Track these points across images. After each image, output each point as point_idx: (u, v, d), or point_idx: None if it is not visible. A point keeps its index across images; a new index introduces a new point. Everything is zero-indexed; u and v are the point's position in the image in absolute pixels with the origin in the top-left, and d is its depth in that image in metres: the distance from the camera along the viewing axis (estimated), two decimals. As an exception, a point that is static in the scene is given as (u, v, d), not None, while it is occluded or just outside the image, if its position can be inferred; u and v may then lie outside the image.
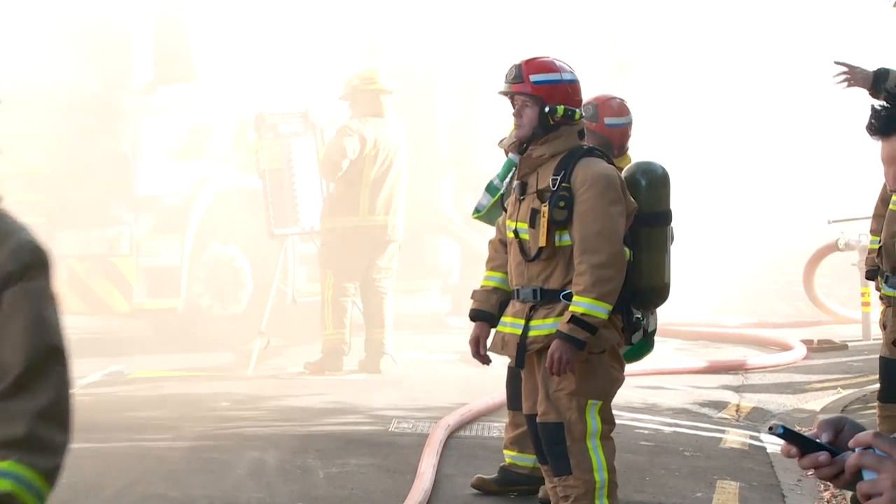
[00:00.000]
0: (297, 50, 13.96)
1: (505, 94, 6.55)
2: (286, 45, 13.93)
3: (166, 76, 13.16)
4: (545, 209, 6.35)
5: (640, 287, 6.50)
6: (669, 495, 8.34)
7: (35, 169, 13.14)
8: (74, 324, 14.73)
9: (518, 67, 6.54)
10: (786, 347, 14.04)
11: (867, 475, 2.41)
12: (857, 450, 2.44)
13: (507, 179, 6.84)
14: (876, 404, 8.63)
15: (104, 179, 13.00)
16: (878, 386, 10.78)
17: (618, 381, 6.60)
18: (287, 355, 13.09)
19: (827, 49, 20.10)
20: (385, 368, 12.14)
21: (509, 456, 8.08)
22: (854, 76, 7.96)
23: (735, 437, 10.05)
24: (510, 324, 6.53)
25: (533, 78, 6.48)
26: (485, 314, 6.68)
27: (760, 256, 19.92)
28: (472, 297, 6.79)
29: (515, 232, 6.50)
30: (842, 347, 14.31)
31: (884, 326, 7.98)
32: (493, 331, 6.74)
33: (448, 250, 15.31)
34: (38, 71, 13.48)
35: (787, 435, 2.50)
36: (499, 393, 10.68)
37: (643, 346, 7.08)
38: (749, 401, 11.58)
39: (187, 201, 13.46)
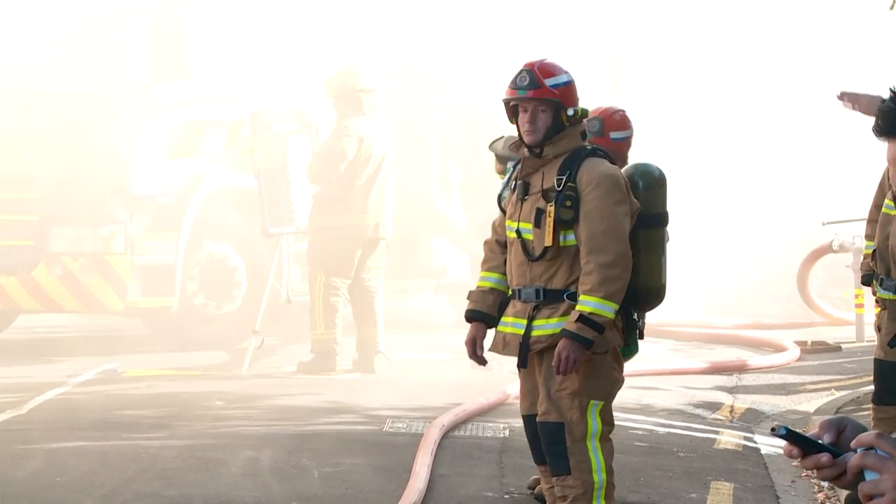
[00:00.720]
0: (293, 49, 13.97)
1: (521, 100, 6.45)
2: (282, 45, 13.94)
3: (162, 75, 13.15)
4: (551, 209, 6.36)
5: (638, 288, 6.51)
6: (664, 496, 8.34)
7: (30, 167, 13.14)
8: (68, 322, 14.78)
9: (531, 73, 6.47)
10: (779, 349, 14.06)
11: (869, 476, 2.41)
12: (859, 450, 2.45)
13: (504, 180, 6.81)
14: (870, 406, 8.66)
15: (99, 178, 13.01)
16: (872, 388, 10.80)
17: (618, 382, 6.62)
18: (281, 354, 13.09)
19: (823, 51, 20.11)
20: (379, 368, 12.15)
21: None
22: (860, 103, 7.93)
23: (729, 438, 10.06)
24: (511, 324, 6.52)
25: (549, 82, 6.46)
26: (481, 315, 6.67)
27: (754, 257, 19.92)
28: (468, 298, 6.79)
29: (518, 232, 6.49)
30: (835, 349, 14.33)
31: (878, 329, 7.99)
32: (489, 331, 6.74)
33: (441, 250, 15.32)
34: (34, 69, 13.48)
35: (790, 436, 2.51)
36: (493, 393, 10.71)
37: (631, 348, 7.13)
38: (743, 402, 11.59)
39: (182, 200, 13.46)
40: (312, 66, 13.82)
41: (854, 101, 7.93)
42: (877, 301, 7.96)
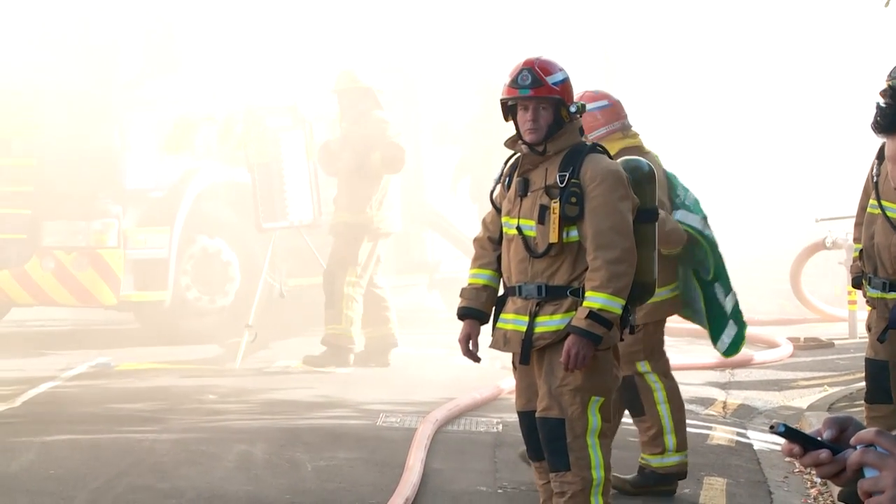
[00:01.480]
0: (286, 44, 13.95)
1: (524, 99, 6.43)
2: (274, 39, 13.92)
3: (153, 70, 13.14)
4: (555, 205, 6.35)
5: (633, 282, 6.50)
6: (658, 492, 8.34)
7: (23, 161, 13.12)
8: (61, 315, 14.77)
9: (532, 72, 6.46)
10: (772, 345, 14.07)
11: (869, 473, 2.41)
12: (858, 447, 2.44)
13: (497, 177, 6.78)
14: (863, 403, 8.67)
15: (92, 172, 12.99)
16: (864, 385, 10.82)
17: (617, 380, 6.60)
18: (275, 349, 13.08)
19: (816, 49, 20.14)
20: (377, 362, 12.19)
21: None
22: None
23: (722, 434, 10.07)
24: (512, 321, 6.50)
25: (550, 80, 6.45)
26: (475, 312, 6.65)
27: (747, 254, 19.94)
28: (460, 296, 6.76)
29: (519, 228, 6.47)
30: (828, 345, 14.34)
31: (869, 328, 8.01)
32: (482, 328, 6.72)
33: (435, 245, 15.31)
34: (25, 65, 13.46)
35: (789, 433, 2.50)
36: (486, 388, 10.71)
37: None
38: (735, 398, 11.60)
39: (175, 194, 13.44)
40: (306, 61, 13.81)
41: None
42: (867, 301, 7.98)
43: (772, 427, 2.56)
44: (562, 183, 6.38)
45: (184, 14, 13.37)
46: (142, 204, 13.28)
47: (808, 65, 19.97)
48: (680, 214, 8.08)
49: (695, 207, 8.19)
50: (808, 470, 9.11)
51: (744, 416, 10.88)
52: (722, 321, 8.26)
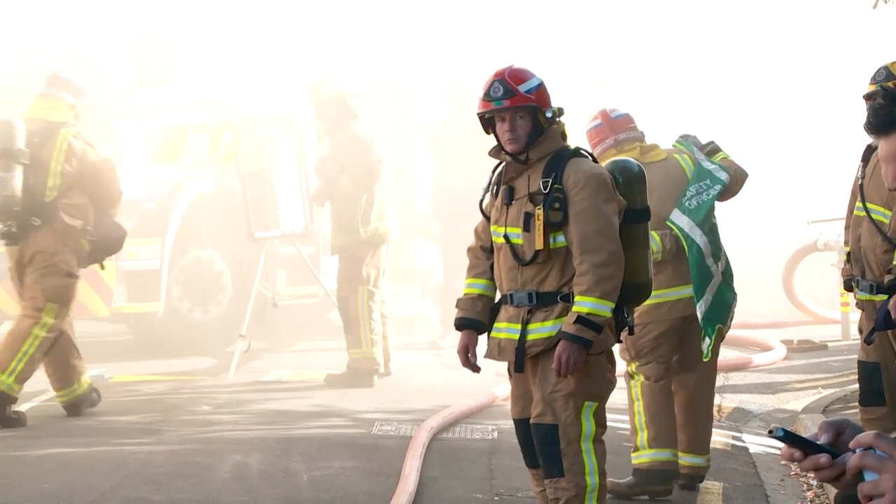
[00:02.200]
0: (277, 53, 13.95)
1: (499, 111, 6.40)
2: (265, 49, 13.92)
3: (144, 81, 13.12)
4: (539, 212, 6.33)
5: (626, 284, 6.48)
6: (653, 494, 8.33)
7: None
8: (54, 328, 14.71)
9: (503, 83, 6.43)
10: (766, 348, 14.08)
11: (868, 476, 2.40)
12: (857, 451, 2.44)
13: (485, 186, 6.75)
14: (857, 404, 8.67)
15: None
16: (858, 387, 10.80)
17: (612, 384, 6.60)
18: (268, 359, 13.07)
19: (807, 52, 20.15)
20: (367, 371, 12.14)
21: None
22: None
23: (717, 438, 10.05)
24: (506, 329, 6.50)
25: (522, 88, 6.42)
26: (472, 322, 6.64)
27: (739, 257, 19.94)
28: (456, 307, 6.75)
29: (506, 237, 6.46)
30: (821, 347, 14.35)
31: (861, 330, 8.01)
32: (480, 338, 6.72)
33: (427, 252, 15.32)
34: (16, 75, 13.45)
35: (788, 438, 2.50)
36: (481, 395, 10.70)
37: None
38: (730, 401, 11.60)
39: (166, 205, 13.43)
40: (297, 70, 13.81)
41: None
42: (857, 303, 7.99)
43: (771, 431, 2.55)
44: (545, 189, 6.37)
45: (174, 24, 13.35)
46: (133, 215, 13.24)
47: (799, 68, 20.00)
48: (674, 215, 8.10)
49: (694, 211, 8.16)
50: (805, 473, 9.10)
51: (739, 419, 10.88)
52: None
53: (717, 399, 11.66)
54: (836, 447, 2.50)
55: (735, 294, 8.59)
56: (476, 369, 6.65)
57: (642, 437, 8.11)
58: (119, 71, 13.15)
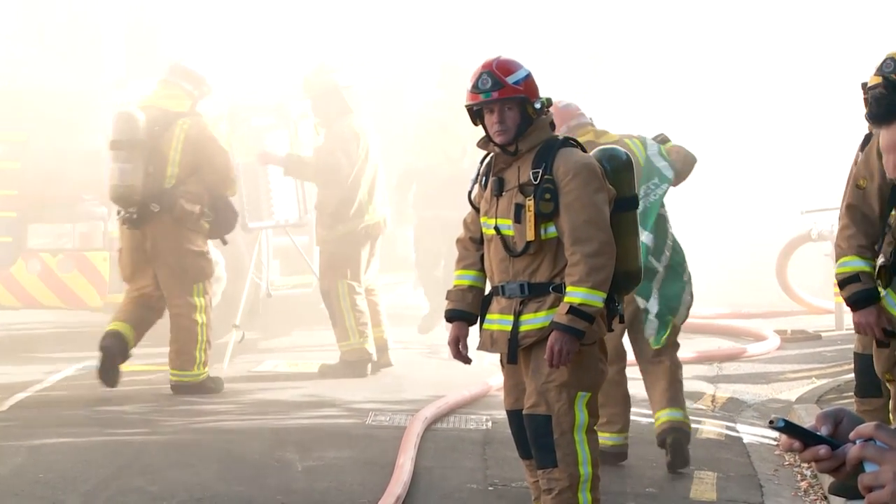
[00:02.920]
0: (271, 43, 13.93)
1: (488, 103, 6.38)
2: (259, 39, 13.90)
3: (137, 71, 13.10)
4: (530, 203, 6.32)
5: (617, 272, 6.46)
6: (647, 485, 8.36)
7: (7, 164, 13.09)
8: (48, 318, 14.73)
9: (491, 74, 6.41)
10: (759, 338, 14.09)
11: (868, 467, 2.40)
12: (858, 442, 2.44)
13: (474, 177, 6.68)
14: (851, 394, 8.68)
15: (77, 174, 12.95)
16: (852, 376, 10.79)
17: (604, 374, 6.60)
18: (262, 349, 13.07)
19: (800, 41, 20.15)
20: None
21: None
22: None
23: (711, 428, 10.07)
24: (498, 321, 6.48)
25: (510, 80, 6.40)
26: (462, 314, 6.63)
27: (733, 246, 19.98)
28: (446, 298, 6.74)
29: (497, 228, 6.44)
30: (815, 337, 14.37)
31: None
32: (471, 329, 6.70)
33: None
34: (9, 66, 13.43)
35: (788, 428, 2.50)
36: (475, 385, 10.71)
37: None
38: (724, 391, 11.61)
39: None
40: (291, 61, 13.78)
41: None
42: None
43: (771, 422, 2.56)
44: (535, 180, 6.35)
45: (167, 14, 13.33)
46: (127, 205, 13.23)
47: (792, 57, 20.00)
48: None
49: (642, 214, 8.25)
50: (799, 463, 9.11)
51: (733, 409, 10.89)
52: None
53: (710, 389, 11.69)
54: (835, 437, 2.51)
55: (685, 283, 8.67)
56: (467, 361, 6.65)
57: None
58: (112, 62, 13.12)
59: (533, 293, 6.40)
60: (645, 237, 8.20)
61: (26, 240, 12.99)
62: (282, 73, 13.64)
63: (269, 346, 13.14)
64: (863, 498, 2.41)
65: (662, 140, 8.79)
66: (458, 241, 6.76)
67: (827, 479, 8.32)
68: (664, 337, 8.45)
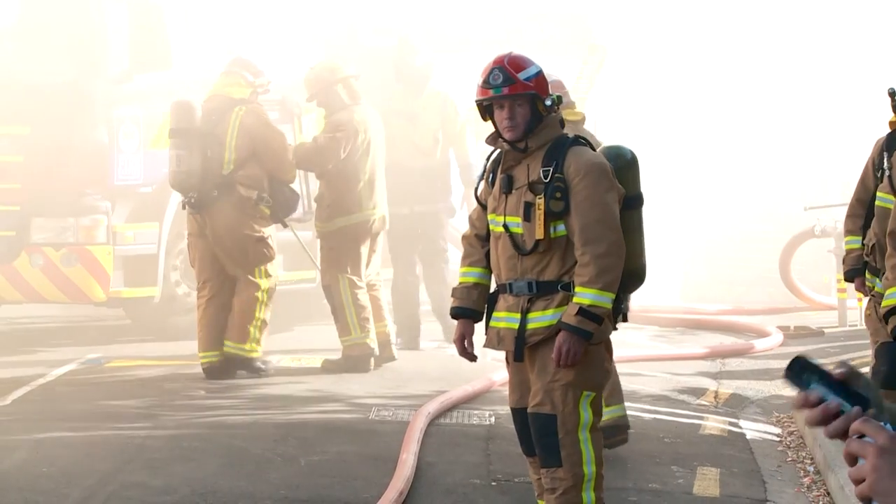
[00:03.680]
0: (274, 37, 13.92)
1: (498, 98, 6.35)
2: (263, 32, 13.89)
3: (141, 64, 13.09)
4: (540, 201, 6.28)
5: (623, 270, 6.46)
6: (651, 481, 8.36)
7: (10, 158, 13.09)
8: (51, 312, 14.74)
9: (503, 70, 6.38)
10: (763, 334, 14.10)
11: (860, 461, 2.41)
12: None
13: (480, 173, 6.66)
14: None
15: (80, 168, 12.95)
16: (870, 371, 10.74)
17: (609, 374, 6.60)
18: (265, 343, 13.04)
19: (805, 34, 20.12)
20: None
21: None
22: None
23: (714, 424, 10.08)
24: (505, 318, 6.46)
25: (522, 76, 6.37)
26: (468, 311, 6.61)
27: (736, 242, 19.96)
28: (451, 295, 6.72)
29: (505, 226, 6.41)
30: (818, 334, 14.37)
31: (884, 319, 7.85)
32: (476, 326, 6.69)
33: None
34: (12, 59, 13.42)
35: (804, 367, 2.48)
36: (478, 380, 10.71)
37: None
38: (727, 387, 11.62)
39: (163, 190, 13.39)
40: (294, 54, 13.77)
41: None
42: (873, 294, 7.93)
43: (788, 368, 2.53)
44: (545, 178, 6.32)
45: (170, 7, 13.32)
46: (130, 200, 13.25)
47: (796, 54, 19.99)
48: None
49: None
50: (802, 458, 9.12)
51: (735, 405, 10.89)
52: None
53: (713, 385, 11.70)
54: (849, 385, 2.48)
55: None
56: (473, 358, 6.64)
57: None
58: (116, 54, 13.11)
59: (541, 291, 6.37)
60: None
61: (29, 234, 12.99)
62: (285, 67, 13.62)
63: (272, 342, 13.12)
64: None
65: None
66: (464, 237, 6.74)
67: (830, 476, 8.32)
68: None
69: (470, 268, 6.66)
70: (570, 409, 6.35)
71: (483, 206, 6.61)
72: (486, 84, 6.40)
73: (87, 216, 12.98)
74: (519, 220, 6.37)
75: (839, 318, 14.90)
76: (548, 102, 6.39)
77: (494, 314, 6.52)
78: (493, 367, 11.02)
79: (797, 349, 13.55)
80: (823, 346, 13.61)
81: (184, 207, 11.41)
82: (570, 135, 6.54)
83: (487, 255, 6.62)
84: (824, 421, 2.48)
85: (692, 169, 20.08)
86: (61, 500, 7.55)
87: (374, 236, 11.88)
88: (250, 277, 11.33)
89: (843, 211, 8.91)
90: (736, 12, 20.64)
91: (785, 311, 16.07)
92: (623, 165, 6.57)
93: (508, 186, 6.41)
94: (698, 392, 11.36)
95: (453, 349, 6.85)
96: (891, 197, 7.82)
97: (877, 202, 7.95)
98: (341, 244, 11.66)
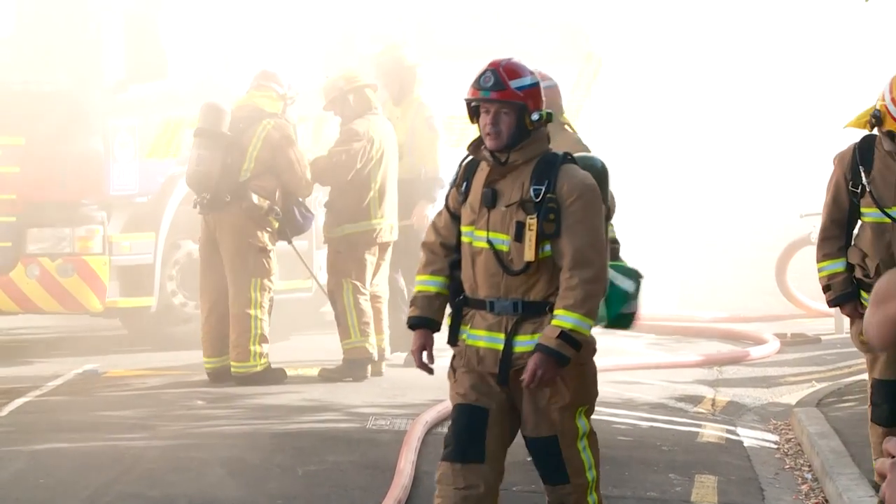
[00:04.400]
0: (271, 45, 13.91)
1: (484, 101, 6.15)
2: (259, 41, 13.89)
3: (137, 74, 13.08)
4: (532, 222, 6.06)
5: None
6: (648, 489, 8.36)
7: (6, 168, 13.07)
8: (48, 323, 14.72)
9: (495, 73, 6.16)
10: (759, 341, 14.10)
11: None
12: None
13: (452, 180, 6.32)
14: (851, 396, 8.64)
15: (76, 178, 12.95)
16: (853, 379, 10.78)
17: (597, 382, 6.38)
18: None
19: (800, 42, 20.15)
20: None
21: None
22: None
23: (712, 432, 10.08)
24: (486, 338, 6.18)
25: (514, 84, 6.16)
26: (430, 321, 6.31)
27: (731, 250, 19.98)
28: (412, 304, 6.41)
29: (490, 242, 6.14)
30: (815, 341, 14.37)
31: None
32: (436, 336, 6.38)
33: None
34: (7, 69, 13.41)
35: None
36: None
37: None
38: (724, 395, 11.62)
39: (160, 200, 13.40)
40: (290, 63, 13.76)
41: None
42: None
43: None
44: (536, 197, 6.08)
45: (166, 17, 13.31)
46: (126, 210, 13.24)
47: (789, 60, 20.00)
48: None
49: None
50: (799, 466, 9.12)
51: (733, 413, 10.90)
52: None
53: (711, 393, 11.70)
54: None
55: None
56: (431, 371, 6.37)
57: None
58: (111, 64, 13.10)
59: (527, 312, 6.13)
60: None
61: (25, 244, 12.97)
62: (282, 75, 13.60)
63: (268, 351, 13.10)
64: None
65: None
66: (426, 244, 6.41)
67: (828, 483, 8.32)
68: None
69: (432, 276, 6.34)
70: (568, 425, 6.18)
71: (453, 214, 6.32)
72: (477, 84, 6.20)
73: (83, 226, 12.97)
74: (507, 237, 6.12)
75: (836, 325, 14.89)
76: (534, 116, 6.14)
77: (471, 331, 6.21)
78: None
79: (794, 356, 13.55)
80: (820, 354, 13.62)
81: (195, 207, 11.54)
82: (560, 152, 6.29)
83: (451, 264, 6.32)
84: None
85: (688, 177, 20.08)
86: (58, 511, 7.54)
87: (383, 246, 11.85)
88: (245, 291, 11.34)
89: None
90: (731, 23, 20.67)
91: (781, 319, 16.06)
92: (595, 177, 6.32)
93: (492, 201, 6.15)
94: (695, 400, 11.36)
95: (449, 358, 6.53)
96: (877, 210, 7.67)
97: (865, 219, 7.71)
98: (347, 250, 11.68)
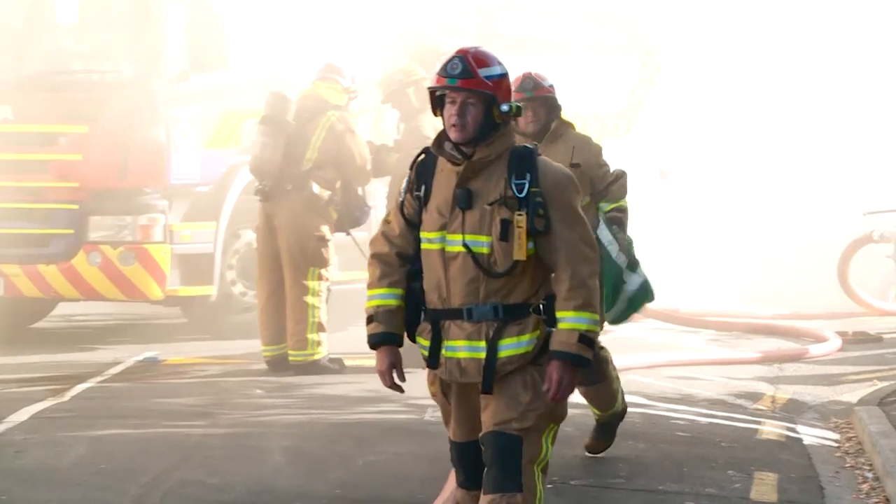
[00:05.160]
0: (330, 36, 13.95)
1: (450, 89, 5.71)
2: (318, 32, 13.92)
3: (199, 64, 13.15)
4: (520, 218, 5.65)
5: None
6: (707, 486, 8.31)
7: (69, 156, 13.17)
8: (108, 310, 14.84)
9: (463, 60, 5.72)
10: (820, 339, 14.01)
11: None
12: None
13: (405, 185, 5.83)
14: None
15: (138, 167, 13.03)
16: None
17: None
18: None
19: (864, 39, 19.97)
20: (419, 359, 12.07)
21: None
22: None
23: (771, 429, 10.01)
24: (465, 347, 5.71)
25: (483, 73, 5.72)
26: (396, 337, 5.85)
27: (794, 248, 19.84)
28: (373, 320, 5.89)
29: (466, 245, 5.69)
30: (877, 339, 14.27)
31: None
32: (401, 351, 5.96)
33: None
34: (71, 58, 13.51)
35: None
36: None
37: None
38: (784, 392, 11.54)
39: (220, 189, 13.48)
40: (349, 53, 13.79)
41: None
42: None
43: None
44: (519, 192, 5.67)
45: (228, 7, 13.36)
46: (187, 199, 13.32)
47: (855, 54, 19.85)
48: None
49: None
50: (860, 465, 9.04)
51: (793, 410, 10.82)
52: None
53: (770, 390, 11.62)
54: None
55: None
56: (402, 390, 5.99)
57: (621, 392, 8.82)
58: (173, 54, 13.17)
59: (509, 315, 5.70)
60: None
61: (87, 232, 13.07)
62: (344, 65, 13.61)
63: (330, 341, 13.14)
64: None
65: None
66: (377, 256, 5.90)
67: (889, 482, 8.24)
68: None
69: (390, 289, 5.86)
70: (534, 437, 5.72)
71: (409, 222, 5.83)
72: (443, 71, 5.75)
73: (145, 214, 13.06)
74: (487, 239, 5.68)
75: (898, 324, 14.79)
76: (504, 108, 5.71)
77: (447, 343, 5.75)
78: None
79: (855, 354, 13.45)
80: (882, 353, 13.52)
81: (256, 194, 11.62)
82: (528, 144, 5.86)
83: (408, 275, 5.86)
84: None
85: (751, 174, 19.96)
86: (119, 497, 7.58)
87: None
88: (302, 280, 11.44)
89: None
90: (793, 18, 20.51)
91: (842, 317, 15.95)
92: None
93: (467, 202, 5.71)
94: (755, 396, 11.29)
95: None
96: None
97: None
98: None
